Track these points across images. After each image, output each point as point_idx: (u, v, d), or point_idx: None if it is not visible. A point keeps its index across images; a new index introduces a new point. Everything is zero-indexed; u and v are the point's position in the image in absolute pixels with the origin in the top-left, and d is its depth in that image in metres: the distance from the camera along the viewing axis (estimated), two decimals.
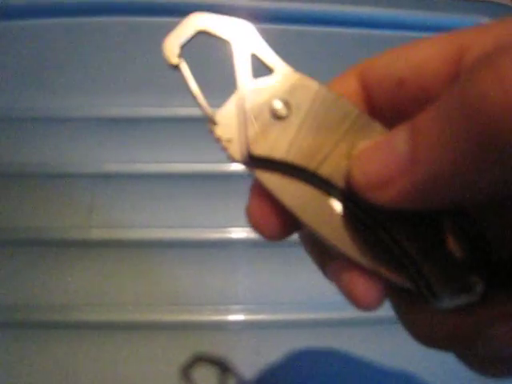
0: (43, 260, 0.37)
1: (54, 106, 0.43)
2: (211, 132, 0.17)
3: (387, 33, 0.49)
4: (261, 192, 0.17)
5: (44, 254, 0.37)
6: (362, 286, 0.16)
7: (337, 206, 0.17)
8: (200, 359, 0.34)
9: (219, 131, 0.17)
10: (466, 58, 0.15)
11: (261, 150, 0.16)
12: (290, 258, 0.37)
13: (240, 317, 0.36)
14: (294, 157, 0.16)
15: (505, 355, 0.16)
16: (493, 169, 0.12)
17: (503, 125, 0.11)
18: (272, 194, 0.17)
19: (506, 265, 0.17)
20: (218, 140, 0.17)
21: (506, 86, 0.11)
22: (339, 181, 0.16)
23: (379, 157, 0.15)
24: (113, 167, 0.41)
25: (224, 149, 0.17)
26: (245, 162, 0.17)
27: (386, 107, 0.18)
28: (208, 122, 0.17)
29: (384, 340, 0.35)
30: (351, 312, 0.36)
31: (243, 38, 0.17)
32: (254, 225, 0.17)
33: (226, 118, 0.17)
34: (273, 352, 0.35)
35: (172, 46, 0.17)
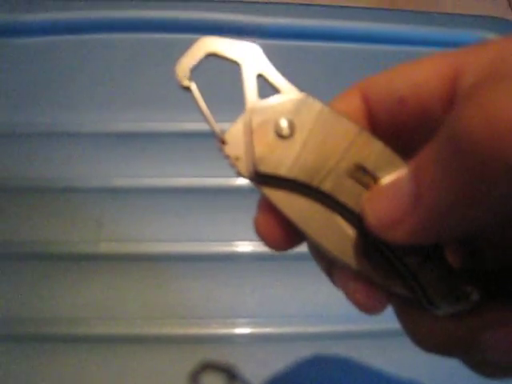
0: (52, 274, 0.38)
1: (62, 121, 0.44)
2: (220, 150, 0.18)
3: (390, 48, 0.50)
4: (267, 206, 0.18)
5: (53, 267, 0.38)
6: (366, 292, 0.17)
7: (339, 220, 0.17)
8: (208, 366, 0.34)
9: (228, 149, 0.18)
10: (461, 79, 0.16)
11: (266, 167, 0.17)
12: (297, 272, 0.38)
13: (248, 330, 0.36)
14: (297, 173, 0.17)
15: (498, 361, 0.16)
16: (486, 199, 0.13)
17: (489, 160, 0.12)
18: (277, 209, 0.17)
19: (499, 274, 0.17)
20: (226, 157, 0.18)
21: (491, 122, 0.12)
22: (341, 196, 0.17)
23: (388, 198, 0.16)
24: (121, 182, 0.41)
25: (232, 166, 0.18)
26: (252, 179, 0.18)
27: (388, 124, 0.18)
28: (217, 140, 0.18)
29: (391, 352, 0.35)
30: (358, 325, 0.36)
31: (251, 60, 0.18)
32: (261, 236, 0.19)
33: (234, 137, 0.18)
34: (280, 365, 0.35)
35: (183, 68, 0.18)
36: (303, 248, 0.37)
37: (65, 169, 0.42)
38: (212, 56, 0.18)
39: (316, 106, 0.17)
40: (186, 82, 0.18)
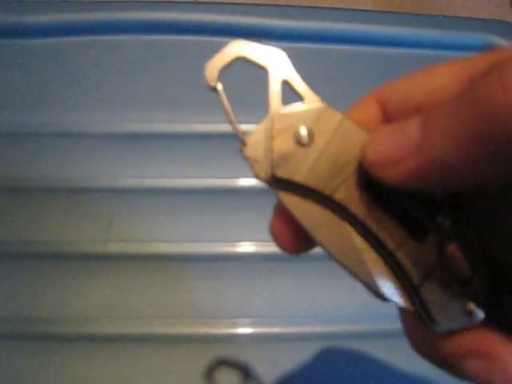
0: (61, 273, 0.38)
1: (70, 122, 0.44)
2: (241, 151, 0.18)
3: (396, 50, 0.50)
4: (282, 210, 0.18)
5: (62, 267, 0.38)
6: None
7: (349, 229, 0.18)
8: (223, 363, 0.35)
9: (248, 152, 0.18)
10: None
11: (283, 172, 0.18)
12: (305, 272, 0.38)
13: (256, 329, 0.36)
14: (312, 181, 0.18)
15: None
16: (490, 158, 0.13)
17: (503, 122, 0.13)
18: (291, 213, 0.18)
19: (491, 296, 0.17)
20: (246, 159, 0.18)
21: (509, 90, 0.13)
22: (352, 206, 0.17)
23: (392, 138, 0.16)
24: (130, 182, 0.42)
25: (251, 168, 0.18)
26: (268, 182, 0.18)
27: None
28: (239, 142, 0.18)
29: (398, 352, 0.36)
30: (365, 325, 0.37)
31: (277, 66, 0.18)
32: (275, 240, 0.19)
33: (255, 141, 0.18)
34: (289, 364, 0.35)
35: (212, 69, 0.18)
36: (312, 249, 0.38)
37: (74, 169, 0.42)
38: (241, 59, 0.18)
39: (336, 116, 0.18)
40: (213, 83, 0.18)
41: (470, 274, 0.17)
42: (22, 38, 0.48)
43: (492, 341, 0.16)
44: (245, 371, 0.34)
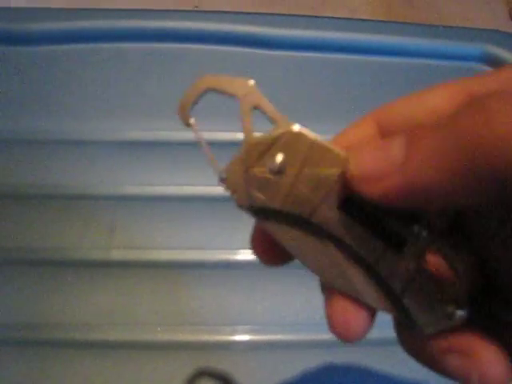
0: (64, 280, 0.38)
1: (73, 129, 0.45)
2: (220, 184, 0.19)
3: (396, 60, 0.51)
4: (261, 228, 0.19)
5: (65, 274, 0.38)
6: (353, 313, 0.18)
7: (331, 248, 0.18)
8: (203, 373, 0.35)
9: (227, 183, 0.19)
10: None
11: (260, 201, 0.18)
12: (306, 280, 0.38)
13: (257, 337, 0.36)
14: (289, 206, 0.18)
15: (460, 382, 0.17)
16: (473, 185, 0.14)
17: (487, 155, 0.13)
18: (273, 237, 0.19)
19: (487, 297, 0.18)
20: (226, 190, 0.19)
21: (493, 127, 0.13)
22: (330, 226, 0.18)
23: (376, 155, 0.16)
24: (133, 189, 0.42)
25: (232, 198, 0.19)
26: (249, 210, 0.19)
27: None
28: (217, 175, 0.19)
29: (396, 361, 0.36)
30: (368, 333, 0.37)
31: (247, 95, 0.19)
32: (256, 254, 0.20)
33: (232, 172, 0.19)
34: (290, 372, 0.35)
35: (184, 107, 0.19)
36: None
37: (76, 176, 0.42)
38: (211, 92, 0.19)
39: (308, 138, 0.18)
40: (186, 120, 0.19)
41: (450, 278, 0.17)
42: (22, 46, 0.49)
43: (470, 339, 0.17)
44: (226, 381, 0.35)
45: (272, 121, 0.18)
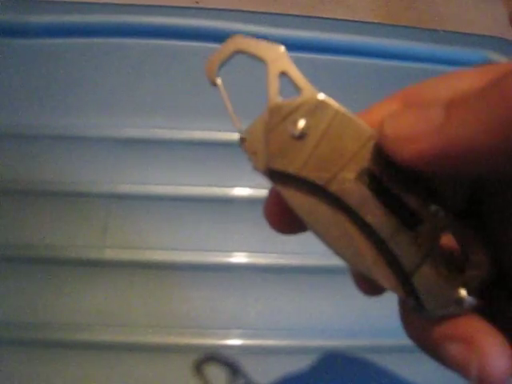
0: (56, 278, 0.38)
1: (69, 125, 0.44)
2: (240, 144, 0.19)
3: (395, 63, 0.51)
4: (277, 194, 0.19)
5: (57, 272, 0.38)
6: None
7: (344, 220, 0.18)
8: (212, 358, 0.35)
9: (246, 144, 0.19)
10: None
11: (279, 164, 0.18)
12: (301, 284, 0.38)
13: (249, 341, 0.36)
14: (306, 173, 0.18)
15: (459, 373, 0.17)
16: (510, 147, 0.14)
17: None
18: (287, 203, 0.18)
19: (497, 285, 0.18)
20: (245, 151, 0.19)
21: None
22: (346, 198, 0.18)
23: (413, 117, 0.16)
24: (127, 188, 0.41)
25: (250, 160, 0.19)
26: (265, 174, 0.18)
27: None
28: (238, 135, 0.19)
29: (395, 368, 0.36)
30: (359, 339, 0.37)
31: (276, 60, 0.19)
32: (268, 220, 0.20)
33: (253, 134, 0.19)
34: (281, 377, 0.35)
35: (212, 64, 0.19)
36: (307, 261, 0.38)
37: (71, 173, 0.42)
38: (240, 54, 0.19)
39: (332, 107, 0.18)
40: (213, 78, 0.19)
41: (463, 262, 0.17)
42: (21, 38, 0.48)
43: (474, 328, 0.17)
44: (233, 368, 0.35)
45: (298, 88, 0.18)
